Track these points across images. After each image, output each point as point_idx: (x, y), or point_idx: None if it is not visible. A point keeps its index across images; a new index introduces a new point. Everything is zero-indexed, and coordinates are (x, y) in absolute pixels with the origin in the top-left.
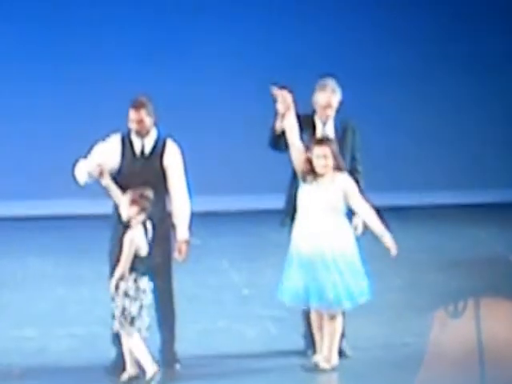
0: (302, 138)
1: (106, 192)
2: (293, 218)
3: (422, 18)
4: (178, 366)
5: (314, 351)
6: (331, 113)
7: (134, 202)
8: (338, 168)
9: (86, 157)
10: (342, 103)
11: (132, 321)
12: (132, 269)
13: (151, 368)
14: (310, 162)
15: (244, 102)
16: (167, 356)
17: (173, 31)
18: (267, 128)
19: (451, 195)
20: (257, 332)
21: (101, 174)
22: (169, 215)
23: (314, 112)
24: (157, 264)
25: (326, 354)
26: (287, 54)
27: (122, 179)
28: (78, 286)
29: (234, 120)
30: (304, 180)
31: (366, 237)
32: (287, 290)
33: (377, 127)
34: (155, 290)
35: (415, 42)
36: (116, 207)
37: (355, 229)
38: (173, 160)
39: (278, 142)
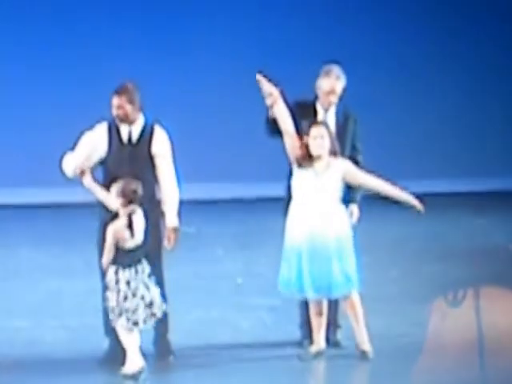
0: (302, 125)
1: (88, 191)
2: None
3: (419, 12)
4: (171, 358)
5: (311, 342)
6: (334, 99)
7: (120, 193)
8: (333, 153)
9: (73, 148)
10: (345, 90)
11: (119, 314)
12: (113, 261)
13: (137, 363)
14: (306, 146)
15: (242, 90)
16: (161, 347)
17: (168, 18)
18: (263, 115)
19: (450, 183)
20: (251, 321)
21: (82, 173)
22: (158, 203)
23: (315, 98)
24: (147, 252)
25: (360, 340)
26: (282, 42)
27: (110, 167)
28: (70, 276)
29: (231, 107)
30: (300, 165)
31: (362, 227)
32: (285, 280)
33: (375, 116)
34: None
35: (412, 34)
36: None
37: (351, 215)
38: (161, 147)
39: (273, 128)
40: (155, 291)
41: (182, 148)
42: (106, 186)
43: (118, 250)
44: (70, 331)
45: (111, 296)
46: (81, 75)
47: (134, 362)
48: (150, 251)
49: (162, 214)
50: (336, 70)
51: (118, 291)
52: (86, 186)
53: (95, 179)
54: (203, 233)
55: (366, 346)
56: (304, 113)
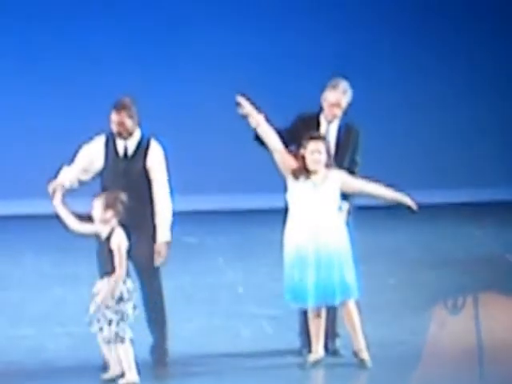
0: (302, 136)
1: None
2: None
3: (416, 24)
4: (168, 368)
5: (310, 350)
6: (339, 112)
7: (109, 205)
8: (328, 165)
9: (71, 162)
10: (350, 105)
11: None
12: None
13: (133, 376)
14: (302, 158)
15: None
16: (159, 356)
17: (163, 31)
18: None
19: (447, 194)
20: (252, 330)
21: (53, 193)
22: (153, 215)
23: (320, 110)
24: (143, 264)
25: (358, 348)
26: (278, 54)
27: (106, 180)
28: (75, 284)
29: (231, 120)
30: (296, 178)
31: (361, 237)
32: (289, 289)
33: (371, 127)
34: (143, 291)
35: (411, 46)
36: None
37: (340, 209)
38: (155, 161)
39: (262, 144)
40: None
41: (183, 160)
42: None
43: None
44: (74, 339)
45: (125, 306)
46: (75, 87)
47: (132, 375)
48: (145, 263)
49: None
50: (343, 84)
51: (130, 300)
52: (54, 205)
53: (64, 202)
54: (205, 243)
55: (365, 354)
56: (307, 125)
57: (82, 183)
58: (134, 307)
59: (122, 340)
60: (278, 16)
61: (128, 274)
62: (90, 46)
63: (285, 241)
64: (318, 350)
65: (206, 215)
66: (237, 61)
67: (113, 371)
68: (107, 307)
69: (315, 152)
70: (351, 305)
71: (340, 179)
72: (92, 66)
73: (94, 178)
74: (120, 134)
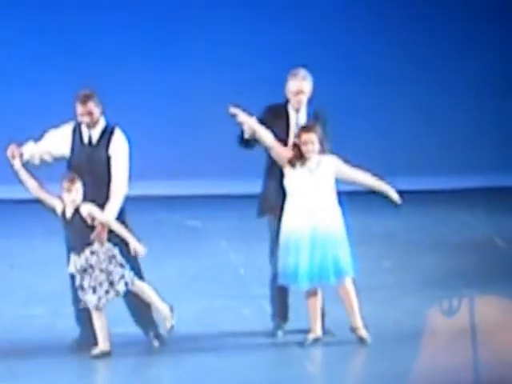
0: (275, 128)
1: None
2: (268, 206)
3: (412, 5)
4: (156, 343)
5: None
6: (304, 99)
7: (72, 180)
8: (322, 151)
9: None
10: (314, 92)
11: (106, 291)
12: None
13: (104, 345)
14: (297, 147)
15: (243, 87)
16: (145, 325)
17: (140, 21)
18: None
19: (439, 180)
20: (253, 310)
21: (13, 156)
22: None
23: (287, 101)
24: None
25: (356, 326)
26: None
27: (71, 167)
28: None
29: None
30: (293, 166)
31: (355, 221)
32: (283, 271)
33: (367, 114)
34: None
35: (404, 35)
36: None
37: None
38: (117, 149)
39: (247, 143)
40: None
41: (187, 145)
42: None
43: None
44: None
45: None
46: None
47: (102, 344)
48: (121, 247)
49: (123, 211)
50: (302, 71)
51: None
52: (16, 169)
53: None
54: (208, 226)
55: (363, 331)
56: (276, 115)
57: (42, 162)
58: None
59: (97, 308)
60: (269, 9)
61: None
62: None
63: (282, 225)
64: (316, 330)
65: (210, 199)
66: (232, 49)
67: (100, 348)
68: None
69: (308, 143)
70: (348, 283)
71: (334, 164)
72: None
73: (55, 162)
74: (87, 124)
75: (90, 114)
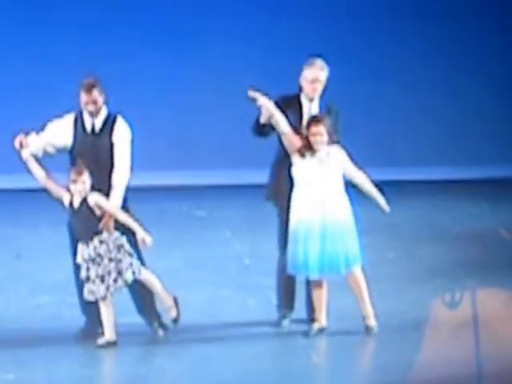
0: (288, 118)
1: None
2: (278, 194)
3: (405, 8)
4: (161, 332)
5: (313, 319)
6: (320, 87)
7: (81, 172)
8: (331, 142)
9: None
10: (328, 82)
11: (126, 280)
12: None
13: (110, 335)
14: (306, 138)
15: (246, 81)
16: (149, 316)
17: (147, 13)
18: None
19: (444, 171)
20: (258, 300)
21: (21, 145)
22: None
23: (300, 91)
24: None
25: (366, 314)
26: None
27: (74, 156)
28: None
29: (237, 97)
30: (303, 156)
31: (360, 211)
32: (293, 261)
33: (372, 104)
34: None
35: (410, 20)
36: None
37: None
38: (120, 136)
39: (263, 130)
40: None
41: (192, 136)
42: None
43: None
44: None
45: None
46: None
47: (108, 334)
48: (128, 236)
49: (126, 200)
50: (319, 61)
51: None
52: (24, 159)
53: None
54: (213, 216)
55: (371, 320)
56: (289, 105)
57: (46, 154)
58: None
59: (104, 298)
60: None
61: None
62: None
63: (291, 215)
64: (321, 320)
65: (215, 189)
66: (240, 43)
67: (106, 338)
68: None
69: (317, 134)
70: (358, 273)
71: (340, 157)
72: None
73: (58, 153)
74: (91, 112)
75: (95, 102)
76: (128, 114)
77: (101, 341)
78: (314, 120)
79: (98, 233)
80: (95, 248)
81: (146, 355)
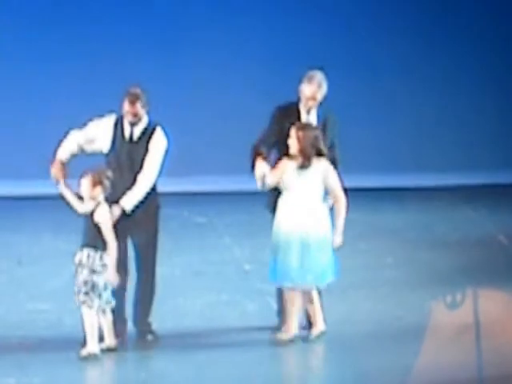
0: (285, 126)
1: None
2: (275, 203)
3: (407, 7)
4: (150, 337)
5: (311, 325)
6: (313, 105)
7: (97, 183)
8: (319, 153)
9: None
10: (326, 96)
11: (100, 295)
12: (103, 247)
13: (93, 347)
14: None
15: (248, 86)
16: (141, 327)
17: (166, 16)
18: (268, 113)
19: (443, 177)
20: (257, 306)
21: (57, 180)
22: (155, 196)
23: (298, 100)
24: (142, 242)
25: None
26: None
27: (111, 161)
28: None
29: (237, 103)
30: (292, 160)
31: (360, 216)
32: (272, 270)
33: (372, 111)
34: (137, 268)
35: (403, 30)
36: None
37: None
38: (156, 144)
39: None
40: None
41: (193, 143)
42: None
43: (102, 235)
44: None
45: (97, 279)
46: (81, 72)
47: (93, 345)
48: (144, 242)
49: (158, 207)
50: (318, 77)
51: (102, 273)
52: (60, 192)
53: (68, 185)
54: (213, 222)
55: (316, 329)
56: (287, 114)
57: (82, 153)
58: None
59: (90, 307)
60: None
61: (104, 248)
62: (91, 31)
63: (274, 223)
64: (318, 324)
65: (216, 196)
66: (246, 45)
67: (106, 343)
68: (76, 274)
69: (292, 137)
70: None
71: (324, 170)
72: (95, 50)
73: (93, 153)
74: (132, 122)
75: (136, 114)
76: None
77: (83, 351)
78: (302, 127)
79: (89, 246)
80: (82, 258)
81: (145, 360)
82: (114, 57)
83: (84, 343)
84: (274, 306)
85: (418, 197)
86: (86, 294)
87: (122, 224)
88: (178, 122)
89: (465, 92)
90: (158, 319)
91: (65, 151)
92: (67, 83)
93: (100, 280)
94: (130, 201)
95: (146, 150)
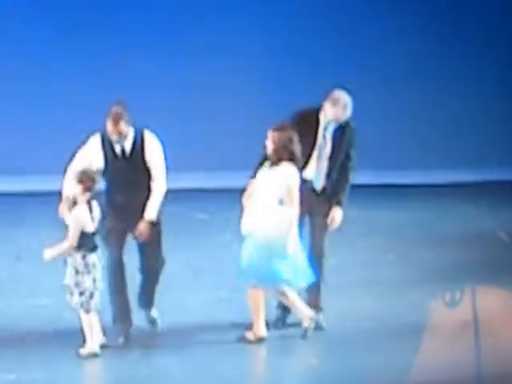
0: (302, 134)
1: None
2: None
3: (414, 7)
4: (153, 318)
5: (283, 323)
6: (335, 125)
7: (79, 181)
8: (291, 158)
9: (71, 159)
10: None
11: (91, 295)
12: (80, 245)
13: (93, 346)
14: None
15: (249, 84)
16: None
17: (165, 18)
18: (272, 108)
19: (444, 174)
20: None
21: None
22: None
23: (320, 108)
24: (146, 245)
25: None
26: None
27: (109, 177)
28: None
29: (237, 100)
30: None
31: (361, 213)
32: (239, 268)
33: (371, 107)
34: (142, 269)
35: (425, 21)
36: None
37: (332, 220)
38: (153, 152)
39: None
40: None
41: (193, 139)
42: (109, 196)
43: (84, 234)
44: None
45: (82, 279)
46: (80, 70)
47: (93, 344)
48: (148, 244)
49: (160, 212)
50: (344, 99)
51: (89, 273)
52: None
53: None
54: (214, 219)
55: (250, 335)
56: (306, 120)
57: None
58: (94, 280)
59: (87, 311)
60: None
61: (93, 249)
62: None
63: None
64: (306, 316)
65: (217, 192)
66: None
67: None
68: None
69: (267, 138)
70: (259, 290)
71: (287, 175)
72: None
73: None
74: (117, 139)
75: (120, 133)
76: (131, 115)
77: (83, 351)
78: (276, 128)
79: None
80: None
81: (146, 356)
82: (114, 56)
83: (84, 342)
84: (274, 302)
85: (419, 194)
86: (80, 295)
87: (122, 222)
88: (178, 118)
89: (471, 91)
90: (158, 315)
91: (68, 188)
92: (64, 82)
93: (86, 280)
94: (152, 211)
95: (143, 161)
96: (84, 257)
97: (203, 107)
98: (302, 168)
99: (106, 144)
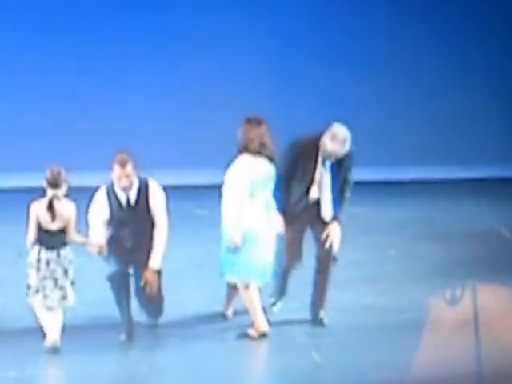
0: (301, 164)
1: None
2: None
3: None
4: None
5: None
6: (333, 158)
7: (46, 179)
8: (258, 151)
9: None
10: (329, 84)
11: (36, 291)
12: (38, 241)
13: (52, 336)
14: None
15: (248, 81)
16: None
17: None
18: (272, 107)
19: (446, 170)
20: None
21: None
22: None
23: (321, 134)
24: (140, 258)
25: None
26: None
27: (112, 228)
28: (89, 255)
29: (236, 97)
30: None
31: (363, 210)
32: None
33: (373, 103)
34: (136, 281)
35: (405, 25)
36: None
37: (327, 234)
38: (157, 201)
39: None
40: (69, 280)
41: (195, 135)
42: (112, 246)
43: (41, 231)
44: (91, 305)
45: (32, 273)
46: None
47: (49, 337)
48: (143, 257)
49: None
50: (342, 134)
51: (38, 270)
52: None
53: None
54: (215, 215)
55: (252, 332)
56: (305, 148)
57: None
58: (45, 278)
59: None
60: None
61: (52, 247)
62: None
63: None
64: (260, 325)
65: (218, 189)
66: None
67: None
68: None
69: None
70: (253, 287)
71: (241, 165)
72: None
73: None
74: (125, 187)
75: (128, 176)
76: (129, 114)
77: (47, 342)
78: (248, 120)
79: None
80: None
81: (147, 353)
82: (113, 56)
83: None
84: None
85: (421, 190)
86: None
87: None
88: (179, 115)
89: (470, 87)
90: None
91: (99, 235)
92: (61, 80)
93: (31, 273)
94: (157, 260)
95: (147, 209)
96: (39, 252)
97: (205, 104)
98: (306, 192)
99: (111, 195)
